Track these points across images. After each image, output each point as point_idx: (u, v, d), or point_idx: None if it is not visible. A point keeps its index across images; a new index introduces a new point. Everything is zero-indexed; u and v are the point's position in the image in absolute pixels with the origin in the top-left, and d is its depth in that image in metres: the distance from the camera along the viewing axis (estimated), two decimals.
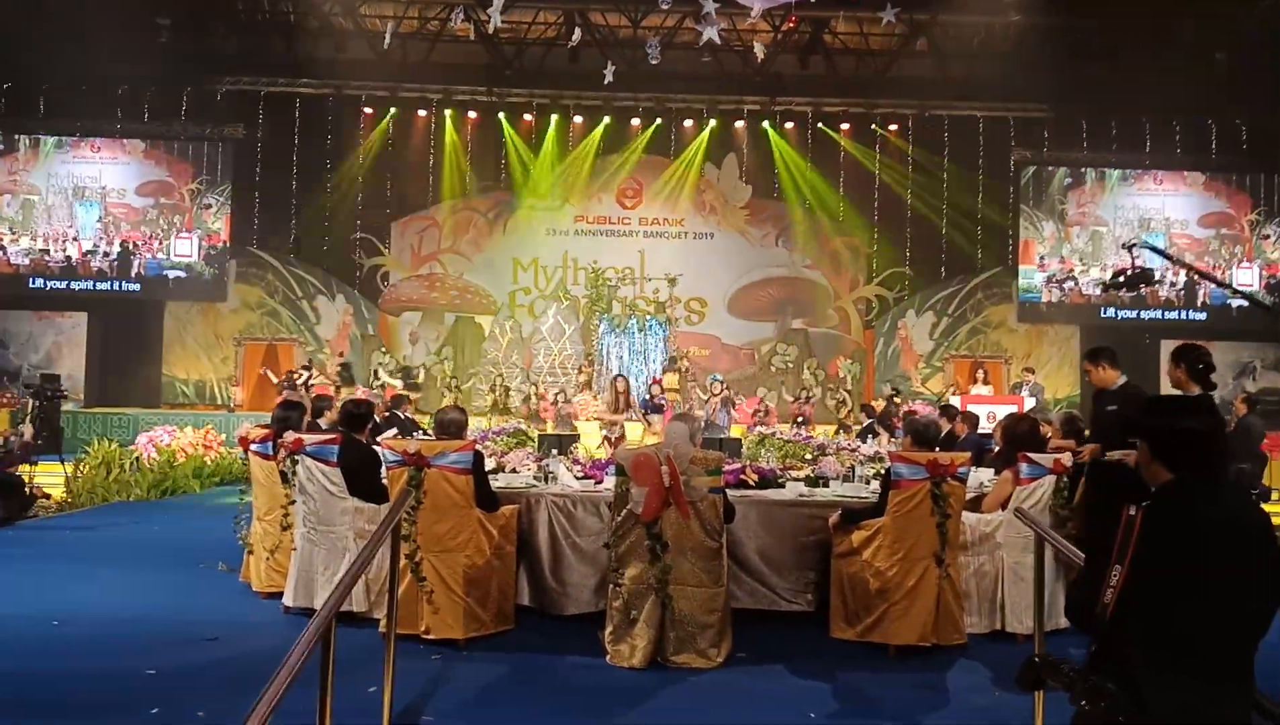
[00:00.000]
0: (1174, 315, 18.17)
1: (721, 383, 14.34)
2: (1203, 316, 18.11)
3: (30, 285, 17.63)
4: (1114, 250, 18.23)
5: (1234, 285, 15.62)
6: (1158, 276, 17.62)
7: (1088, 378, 6.08)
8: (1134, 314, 18.21)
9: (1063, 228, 18.71)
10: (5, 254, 17.79)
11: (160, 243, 18.05)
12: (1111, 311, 18.26)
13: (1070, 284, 18.50)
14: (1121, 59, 16.48)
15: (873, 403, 15.30)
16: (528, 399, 14.45)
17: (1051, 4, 15.29)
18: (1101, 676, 2.16)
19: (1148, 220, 18.68)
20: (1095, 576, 2.22)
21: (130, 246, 17.97)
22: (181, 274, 18.07)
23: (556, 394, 14.00)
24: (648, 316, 16.33)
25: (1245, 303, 16.48)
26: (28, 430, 9.56)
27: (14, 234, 17.88)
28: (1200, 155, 18.06)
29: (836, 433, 13.70)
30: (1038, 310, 18.56)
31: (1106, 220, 18.73)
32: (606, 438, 11.09)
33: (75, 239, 17.90)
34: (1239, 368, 17.94)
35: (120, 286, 17.85)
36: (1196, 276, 17.55)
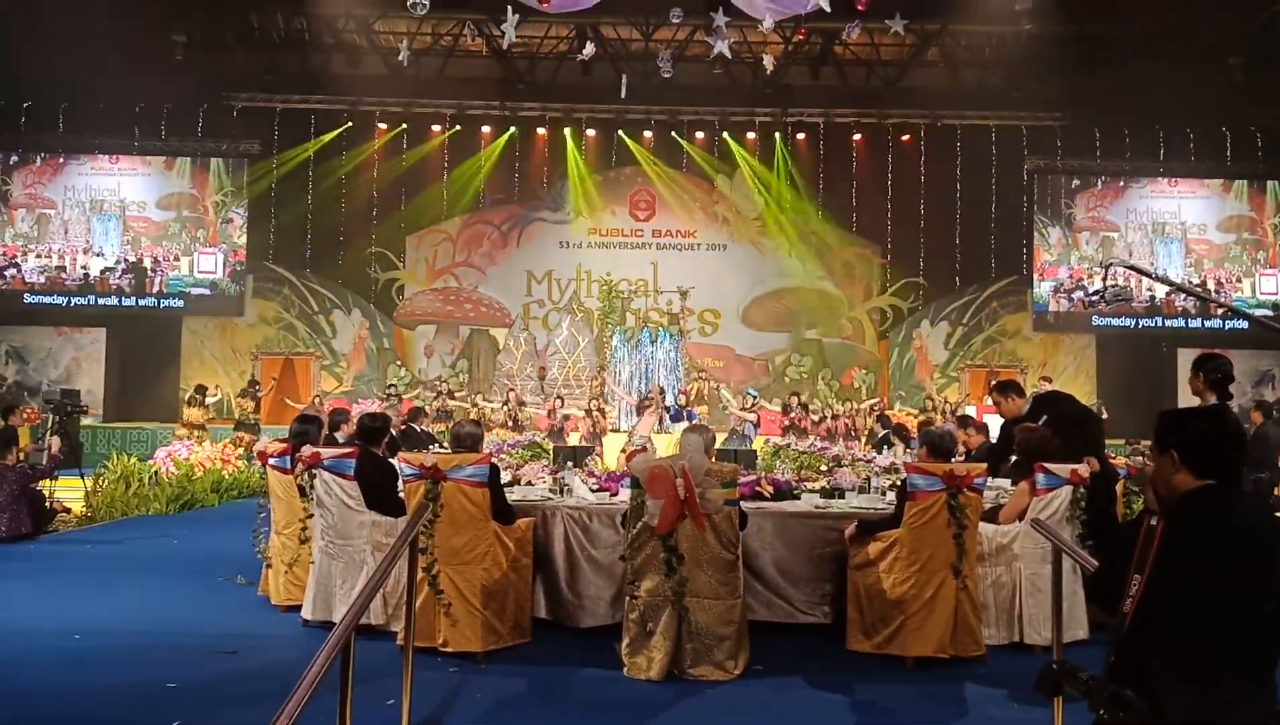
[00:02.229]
0: (1195, 324, 17.97)
1: (755, 397, 14.42)
2: (1219, 325, 17.90)
3: (48, 301, 17.71)
4: (1126, 258, 18.07)
5: (1220, 299, 15.41)
6: (1135, 292, 17.43)
7: (998, 409, 6.49)
8: (1151, 322, 18.04)
9: (1070, 234, 18.51)
10: (20, 272, 17.82)
11: (183, 259, 18.06)
12: (1129, 321, 18.03)
13: (1079, 293, 18.23)
14: (1135, 66, 16.44)
15: (888, 413, 15.24)
16: (551, 413, 14.42)
17: (1063, 11, 15.27)
18: (1120, 685, 2.16)
19: (1162, 225, 18.37)
20: (1116, 570, 2.24)
21: (151, 262, 18.01)
22: (205, 291, 18.10)
23: (592, 402, 13.97)
24: (660, 328, 16.38)
25: (1250, 316, 16.36)
26: (55, 442, 9.62)
27: (29, 250, 17.84)
28: (1215, 161, 17.95)
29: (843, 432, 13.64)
30: (1059, 318, 18.36)
31: (1118, 225, 18.50)
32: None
33: (98, 254, 17.91)
34: (1258, 376, 17.77)
35: (138, 303, 17.92)
36: (1176, 291, 17.35)
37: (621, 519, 5.20)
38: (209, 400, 15.25)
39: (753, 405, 14.40)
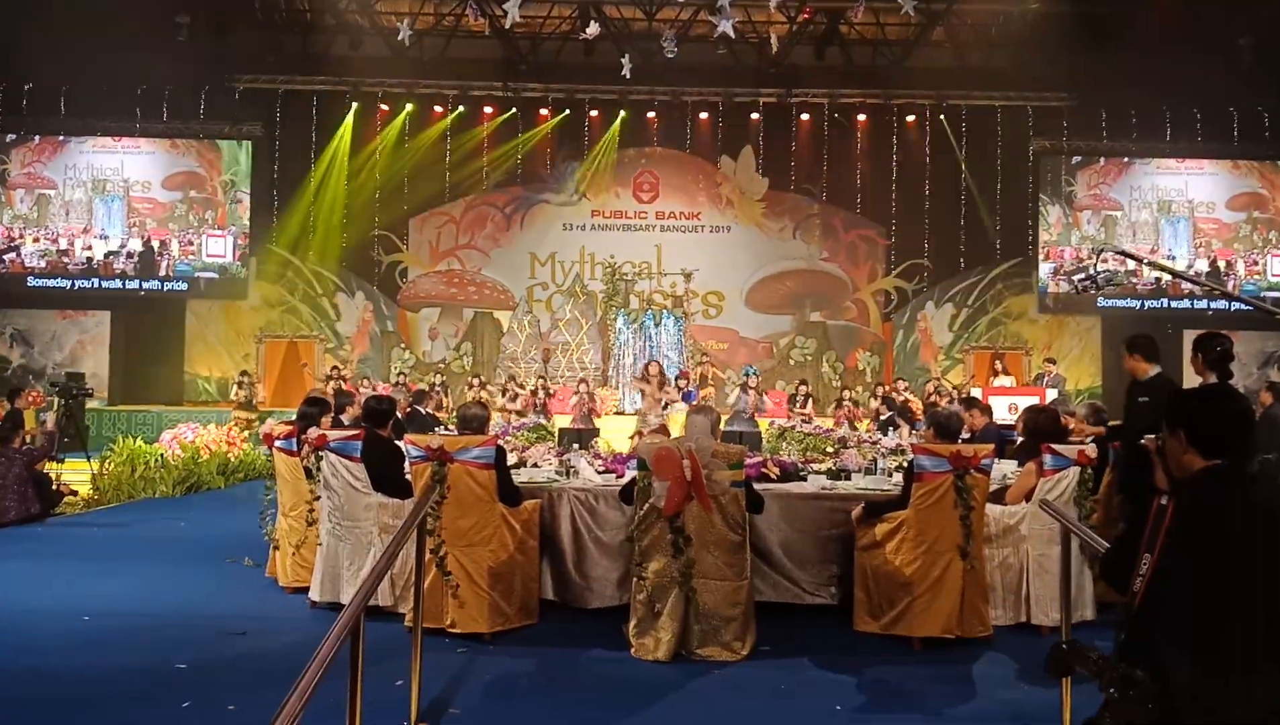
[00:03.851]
0: (1201, 305, 17.84)
1: (750, 373, 14.32)
2: (1226, 306, 17.75)
3: (52, 284, 17.63)
4: (1129, 238, 17.95)
5: (1214, 284, 15.21)
6: (1122, 278, 17.22)
7: (1125, 366, 5.83)
8: (1157, 304, 17.95)
9: (1071, 212, 18.33)
10: (19, 255, 17.62)
11: (191, 242, 17.91)
12: (1135, 302, 17.92)
13: (1080, 276, 17.92)
14: (1142, 46, 16.31)
15: (894, 394, 15.18)
16: (535, 392, 14.43)
17: None
18: (1130, 664, 2.16)
19: (1168, 203, 18.16)
20: (1130, 548, 2.24)
21: (157, 246, 17.84)
22: (214, 276, 17.98)
23: (579, 385, 14.00)
24: (664, 310, 16.35)
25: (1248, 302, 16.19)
26: (50, 418, 9.64)
27: (28, 233, 17.60)
28: (1223, 143, 17.83)
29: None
30: (1058, 301, 18.24)
31: (1120, 203, 18.30)
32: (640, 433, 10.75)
33: (101, 236, 17.71)
34: (1264, 357, 17.72)
35: (142, 287, 17.82)
36: (1173, 277, 17.20)
37: (622, 492, 5.19)
38: (242, 390, 15.42)
39: (752, 382, 14.23)
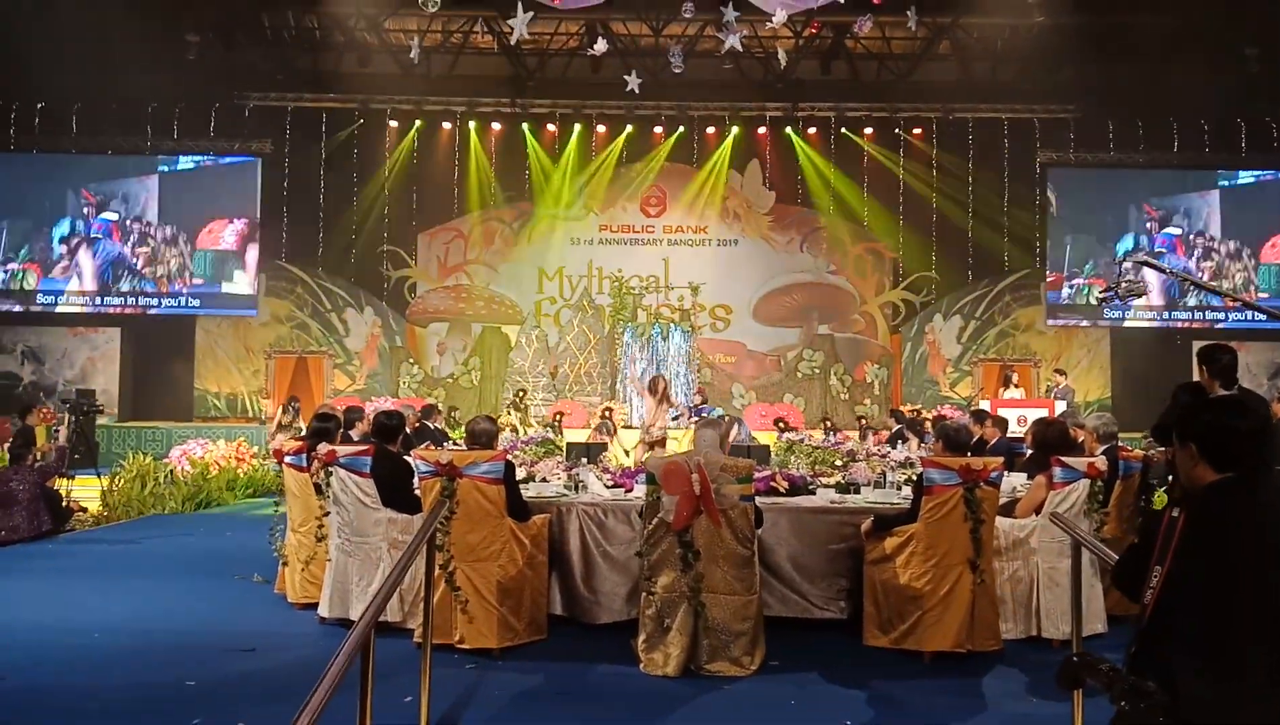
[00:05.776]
0: (1210, 316, 17.75)
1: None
2: (1239, 316, 17.64)
3: (61, 301, 17.70)
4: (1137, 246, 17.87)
5: (1236, 294, 15.08)
6: (1150, 288, 17.08)
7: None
8: (1165, 315, 17.86)
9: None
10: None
11: (208, 255, 17.94)
12: (1145, 313, 17.81)
13: (1079, 280, 17.84)
14: (1148, 57, 16.32)
15: (901, 408, 15.16)
16: (549, 425, 14.34)
17: (1075, 4, 15.16)
18: (1141, 676, 2.15)
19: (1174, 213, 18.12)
20: (1143, 556, 2.24)
21: (162, 249, 17.82)
22: (232, 288, 17.91)
23: (603, 410, 13.95)
24: (671, 324, 16.36)
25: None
26: (62, 432, 9.70)
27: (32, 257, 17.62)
28: (1230, 154, 17.79)
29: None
30: (1067, 312, 18.12)
31: (1128, 210, 18.25)
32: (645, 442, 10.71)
33: (113, 250, 17.79)
34: (1273, 368, 17.62)
35: (161, 303, 17.84)
36: (1193, 286, 17.09)
37: (637, 515, 5.20)
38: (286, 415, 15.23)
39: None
